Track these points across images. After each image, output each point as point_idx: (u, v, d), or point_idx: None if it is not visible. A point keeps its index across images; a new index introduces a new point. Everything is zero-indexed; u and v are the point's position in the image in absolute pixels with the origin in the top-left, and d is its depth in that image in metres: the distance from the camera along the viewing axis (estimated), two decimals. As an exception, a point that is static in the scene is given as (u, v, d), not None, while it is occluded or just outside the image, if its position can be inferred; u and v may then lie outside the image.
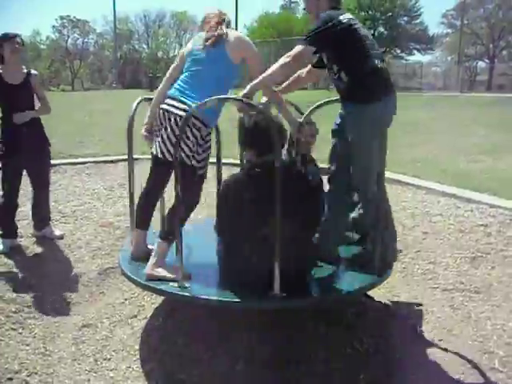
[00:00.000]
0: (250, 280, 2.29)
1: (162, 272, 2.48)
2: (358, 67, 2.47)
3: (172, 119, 2.50)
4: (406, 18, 41.61)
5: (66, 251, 3.92)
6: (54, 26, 52.27)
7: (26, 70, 3.88)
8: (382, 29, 41.53)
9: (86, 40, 54.14)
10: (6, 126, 3.81)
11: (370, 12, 40.35)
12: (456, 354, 2.56)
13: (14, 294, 3.20)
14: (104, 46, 53.90)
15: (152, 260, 2.53)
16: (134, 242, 2.79)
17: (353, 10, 39.91)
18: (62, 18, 51.72)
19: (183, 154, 2.47)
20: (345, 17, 2.45)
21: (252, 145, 2.47)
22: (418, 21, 41.51)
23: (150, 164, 2.71)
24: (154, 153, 2.61)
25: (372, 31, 40.97)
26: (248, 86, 2.43)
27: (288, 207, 2.17)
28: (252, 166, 2.44)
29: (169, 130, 2.52)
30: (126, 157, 7.11)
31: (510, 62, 40.45)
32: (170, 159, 2.52)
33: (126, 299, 3.25)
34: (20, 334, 2.79)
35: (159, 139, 2.58)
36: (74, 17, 51.78)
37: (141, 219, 2.78)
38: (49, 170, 4.21)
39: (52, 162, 6.72)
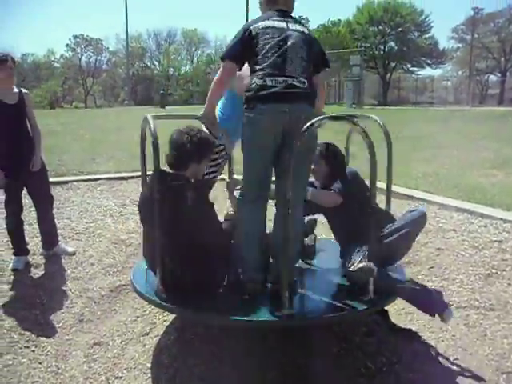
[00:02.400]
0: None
1: None
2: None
3: None
4: (416, 33, 41.70)
5: (78, 268, 3.94)
6: (67, 45, 53.25)
7: (17, 90, 3.86)
8: (392, 43, 41.65)
9: (99, 58, 55.04)
10: (3, 147, 3.77)
11: (380, 27, 40.53)
12: (472, 374, 2.52)
13: (27, 312, 3.22)
14: (117, 64, 54.65)
15: None
16: None
17: (363, 24, 40.21)
18: (75, 36, 52.69)
19: None
20: (257, 26, 2.53)
21: None
22: (428, 35, 41.58)
23: None
24: None
25: (382, 46, 41.21)
26: None
27: None
28: None
29: None
30: (137, 173, 7.14)
31: (522, 76, 40.30)
32: None
33: (137, 317, 3.25)
34: (33, 351, 2.80)
35: None
36: (88, 35, 52.75)
37: None
38: (49, 185, 4.17)
39: (64, 178, 6.91)
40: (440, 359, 2.67)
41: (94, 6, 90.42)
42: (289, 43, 2.51)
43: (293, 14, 2.76)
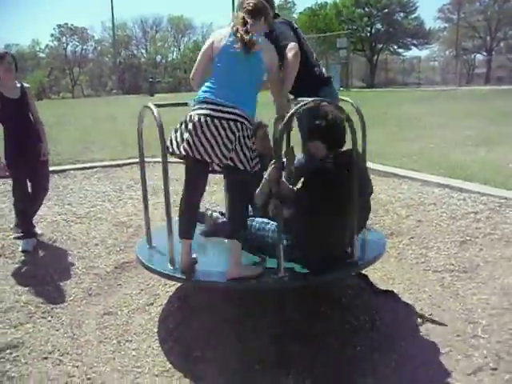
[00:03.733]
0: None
1: (245, 271, 2.64)
2: None
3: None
4: (402, 14, 41.81)
5: (83, 248, 4.21)
6: (52, 35, 52.89)
7: (19, 84, 4.07)
8: (379, 25, 41.77)
9: (84, 47, 54.69)
10: (10, 140, 4.00)
11: (366, 9, 40.61)
12: (444, 325, 2.83)
13: (40, 288, 3.49)
14: (103, 53, 54.33)
15: (231, 261, 2.63)
16: (184, 253, 2.73)
17: (349, 7, 40.25)
18: (59, 26, 52.24)
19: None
20: None
21: (325, 139, 2.79)
22: (414, 16, 41.75)
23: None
24: (198, 156, 2.53)
25: (369, 28, 41.32)
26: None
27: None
28: (326, 158, 2.76)
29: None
30: (131, 161, 7.39)
31: (508, 54, 40.64)
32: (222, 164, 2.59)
33: (141, 290, 3.52)
34: (49, 321, 3.07)
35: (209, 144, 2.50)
36: (72, 24, 52.32)
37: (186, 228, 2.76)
38: (48, 177, 4.46)
39: (61, 167, 7.13)
40: (417, 316, 2.98)
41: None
42: None
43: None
